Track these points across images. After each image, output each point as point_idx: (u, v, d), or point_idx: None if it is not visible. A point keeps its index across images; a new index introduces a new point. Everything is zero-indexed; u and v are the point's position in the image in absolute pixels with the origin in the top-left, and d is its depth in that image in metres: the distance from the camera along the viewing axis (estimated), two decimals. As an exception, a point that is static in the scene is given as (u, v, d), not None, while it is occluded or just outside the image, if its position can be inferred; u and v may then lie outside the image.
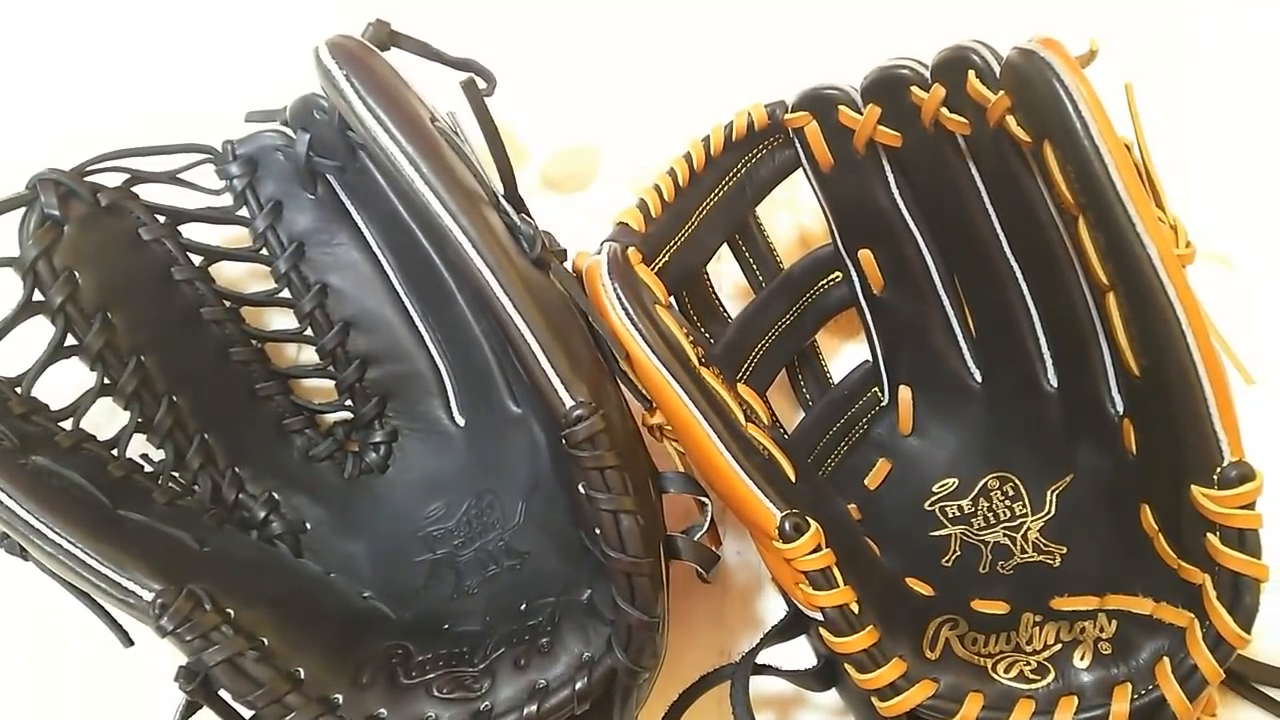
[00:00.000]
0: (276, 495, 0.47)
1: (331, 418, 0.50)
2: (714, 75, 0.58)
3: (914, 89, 0.43)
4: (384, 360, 0.49)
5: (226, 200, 0.49)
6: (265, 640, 0.37)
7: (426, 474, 0.49)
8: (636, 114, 0.57)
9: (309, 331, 0.49)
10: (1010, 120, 0.39)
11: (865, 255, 0.49)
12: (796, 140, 0.48)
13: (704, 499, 0.40)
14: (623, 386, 0.40)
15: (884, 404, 0.51)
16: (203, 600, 0.36)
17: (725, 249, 0.50)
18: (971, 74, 0.40)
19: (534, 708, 0.36)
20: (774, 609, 0.48)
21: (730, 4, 0.60)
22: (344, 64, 0.37)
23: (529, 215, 0.41)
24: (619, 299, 0.40)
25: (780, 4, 0.59)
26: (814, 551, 0.37)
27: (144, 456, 0.44)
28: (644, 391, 0.40)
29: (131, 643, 0.41)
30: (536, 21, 0.59)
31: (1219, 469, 0.34)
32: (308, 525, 0.46)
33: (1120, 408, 0.41)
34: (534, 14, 0.60)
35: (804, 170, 0.49)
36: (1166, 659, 0.36)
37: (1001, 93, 0.39)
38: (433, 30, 0.44)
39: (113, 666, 0.46)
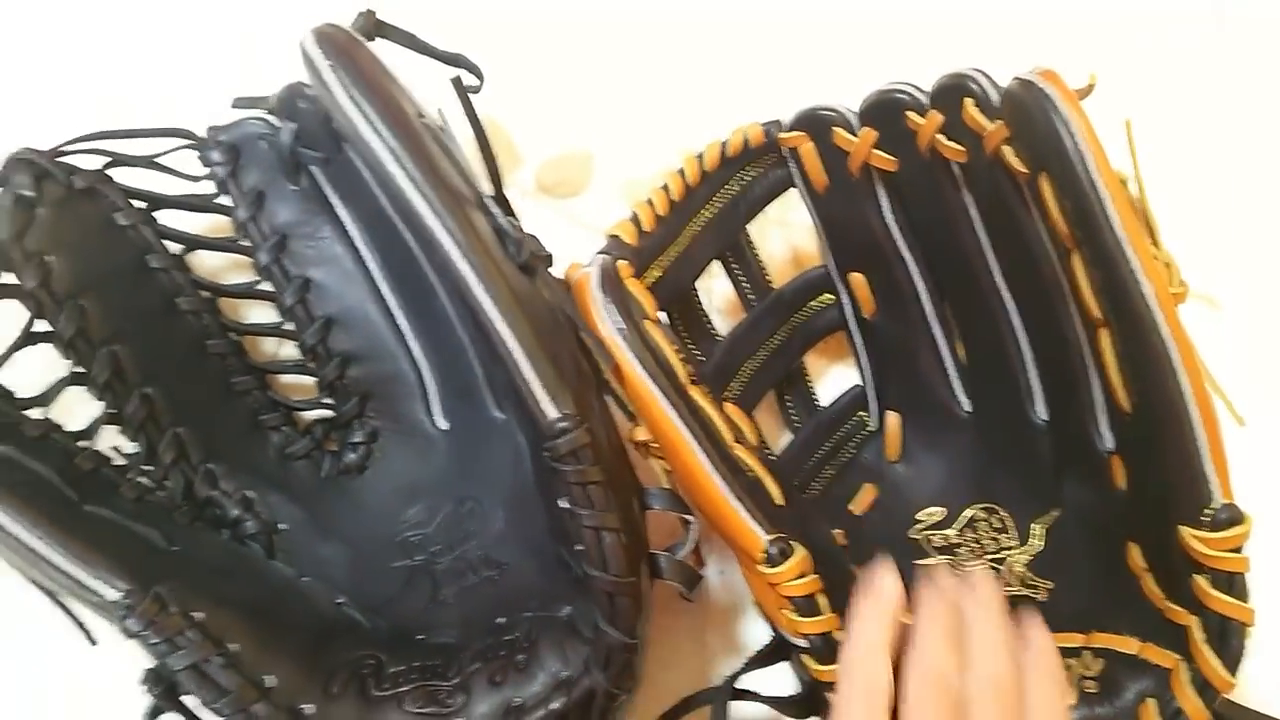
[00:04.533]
0: (250, 494, 0.45)
1: (309, 416, 0.49)
2: (710, 88, 0.57)
3: (911, 114, 0.43)
4: (366, 359, 0.48)
5: (208, 188, 0.47)
6: (234, 646, 0.35)
7: (406, 477, 0.47)
8: (632, 122, 0.57)
9: (289, 326, 0.48)
10: (1007, 150, 0.39)
11: (857, 278, 0.49)
12: (791, 160, 0.47)
13: (688, 517, 0.39)
14: (609, 400, 0.39)
15: (871, 429, 0.51)
16: (169, 602, 0.35)
17: (716, 264, 0.49)
18: (969, 102, 0.40)
19: (508, 727, 0.36)
20: (756, 631, 0.47)
21: (730, 20, 0.59)
22: (330, 54, 0.36)
23: (515, 218, 0.40)
24: (609, 312, 0.39)
25: (780, 22, 0.59)
26: (799, 577, 0.37)
27: (114, 449, 0.43)
28: (630, 406, 0.39)
29: (95, 642, 0.39)
30: (534, 24, 0.59)
31: (1209, 511, 0.34)
32: (282, 526, 0.45)
33: (1109, 444, 0.41)
34: (531, 17, 0.59)
35: (798, 190, 0.48)
36: (1152, 700, 0.35)
37: (999, 122, 0.39)
38: (427, 31, 0.43)
39: (79, 664, 0.44)
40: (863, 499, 0.49)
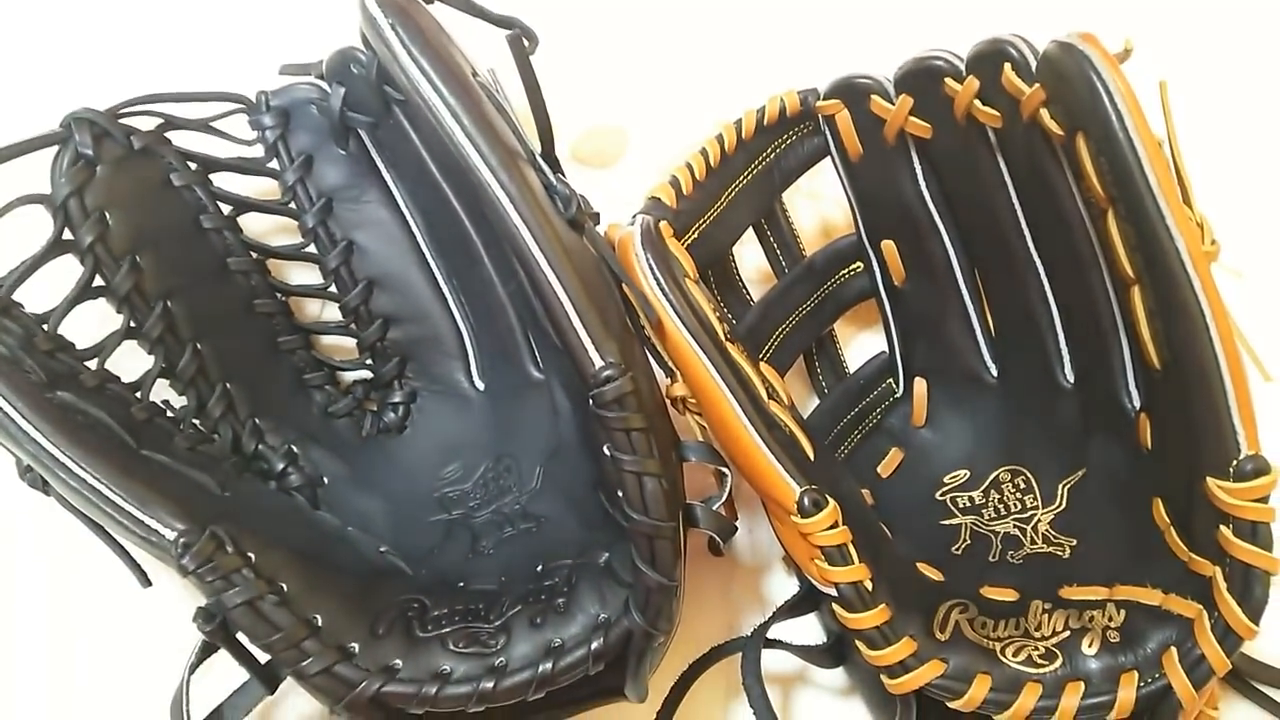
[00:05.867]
0: (295, 448, 0.47)
1: (351, 376, 0.51)
2: (743, 61, 0.58)
3: (948, 81, 0.43)
4: (406, 320, 0.50)
5: (258, 151, 0.49)
6: (285, 586, 0.37)
7: (444, 436, 0.49)
8: (665, 97, 0.58)
9: (333, 288, 0.49)
10: (1044, 113, 0.40)
11: (888, 246, 0.50)
12: (826, 128, 0.48)
13: (724, 469, 0.40)
14: (649, 355, 0.40)
15: (898, 395, 0.52)
16: (225, 542, 0.36)
17: (747, 232, 0.50)
18: (1007, 66, 0.41)
19: (549, 665, 0.37)
20: (781, 588, 0.48)
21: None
22: (390, 13, 0.37)
23: (564, 175, 0.41)
24: (651, 269, 0.40)
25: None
26: (831, 527, 0.38)
27: (165, 403, 0.45)
28: (669, 361, 0.41)
29: (150, 583, 0.41)
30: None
31: (1235, 462, 0.35)
32: (325, 479, 0.47)
33: (1137, 403, 0.42)
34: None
35: (832, 159, 0.49)
36: (1174, 648, 0.36)
37: (1036, 85, 0.39)
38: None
39: (129, 607, 0.46)
40: (889, 462, 0.50)
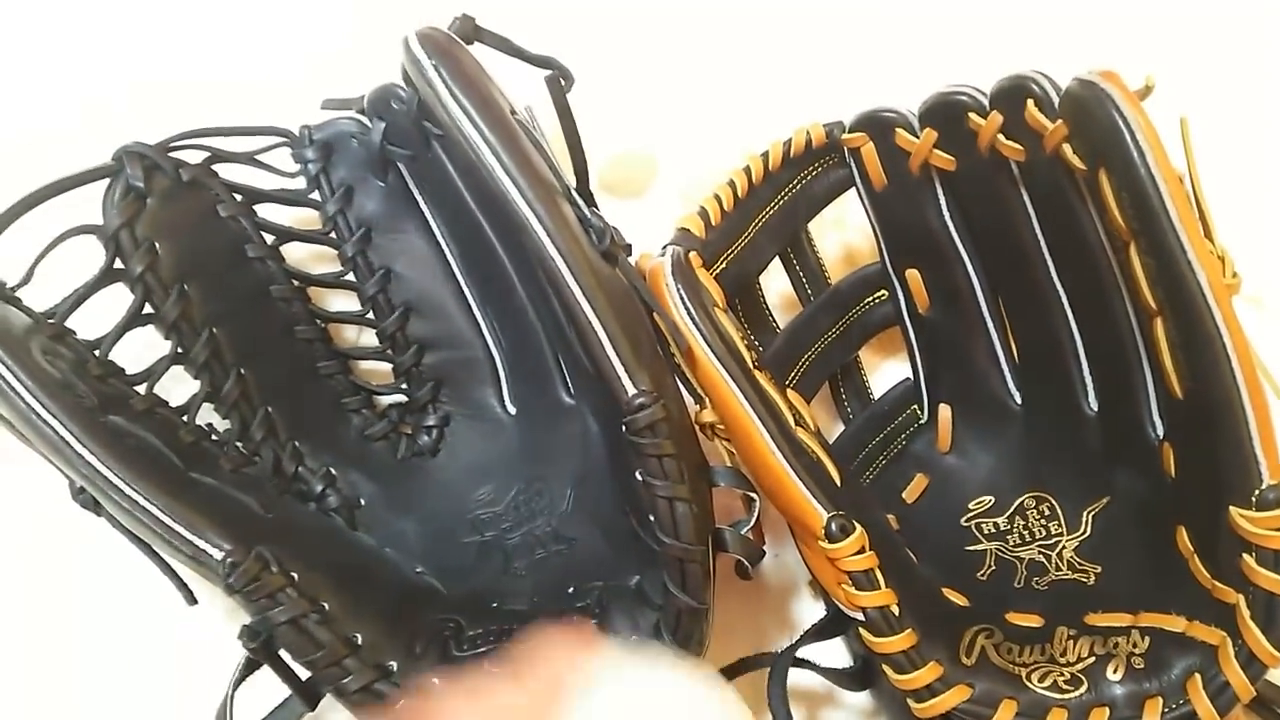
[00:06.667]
0: (333, 470, 0.48)
1: (387, 400, 0.52)
2: (770, 92, 0.59)
3: (972, 115, 0.45)
4: (441, 346, 0.51)
5: (300, 183, 0.50)
6: (326, 604, 0.38)
7: (477, 459, 0.50)
8: (694, 126, 0.59)
9: (370, 315, 0.51)
10: (1066, 148, 0.41)
11: (913, 275, 0.51)
12: (852, 160, 0.50)
13: (752, 495, 0.41)
14: (679, 382, 0.41)
15: (923, 421, 0.52)
16: (269, 562, 0.37)
17: (774, 261, 0.51)
18: (1030, 102, 0.42)
19: (582, 686, 0.38)
20: (808, 613, 0.49)
21: (790, 25, 0.62)
22: (433, 54, 0.39)
23: (598, 209, 0.42)
24: (682, 299, 0.41)
25: (840, 28, 0.61)
26: (859, 553, 0.38)
27: (209, 426, 0.46)
28: (699, 389, 0.42)
29: (195, 601, 0.42)
30: (597, 28, 0.61)
31: (1257, 491, 0.35)
32: (362, 501, 0.48)
33: (1160, 431, 0.42)
34: (594, 21, 0.61)
35: (857, 189, 0.50)
36: (1199, 675, 0.37)
37: (1059, 121, 0.40)
38: (499, 29, 0.45)
39: (173, 624, 0.47)
40: (914, 488, 0.51)
